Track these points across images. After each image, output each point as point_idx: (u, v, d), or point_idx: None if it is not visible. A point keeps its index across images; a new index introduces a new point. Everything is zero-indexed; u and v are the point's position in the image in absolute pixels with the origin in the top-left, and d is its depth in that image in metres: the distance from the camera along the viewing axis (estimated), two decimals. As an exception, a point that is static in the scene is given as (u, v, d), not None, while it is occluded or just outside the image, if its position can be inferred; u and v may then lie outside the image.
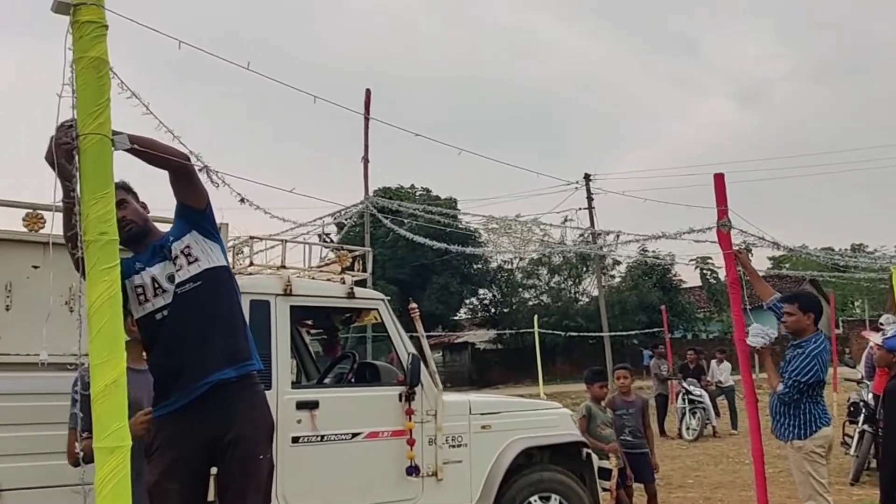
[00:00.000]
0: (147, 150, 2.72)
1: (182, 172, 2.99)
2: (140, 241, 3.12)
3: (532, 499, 5.32)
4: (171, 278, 3.04)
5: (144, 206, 3.23)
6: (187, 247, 3.06)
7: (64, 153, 2.37)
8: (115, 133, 2.33)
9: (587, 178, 27.98)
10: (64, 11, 2.26)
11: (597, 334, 27.14)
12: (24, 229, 3.90)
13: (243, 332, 3.17)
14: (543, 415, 5.75)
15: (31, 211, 3.90)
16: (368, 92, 16.43)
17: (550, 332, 23.43)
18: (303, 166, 61.50)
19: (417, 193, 34.31)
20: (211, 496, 3.12)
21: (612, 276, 37.24)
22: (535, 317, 20.19)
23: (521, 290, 37.85)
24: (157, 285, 3.04)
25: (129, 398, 2.72)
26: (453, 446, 5.07)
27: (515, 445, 5.31)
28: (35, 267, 3.89)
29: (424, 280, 32.40)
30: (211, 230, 3.14)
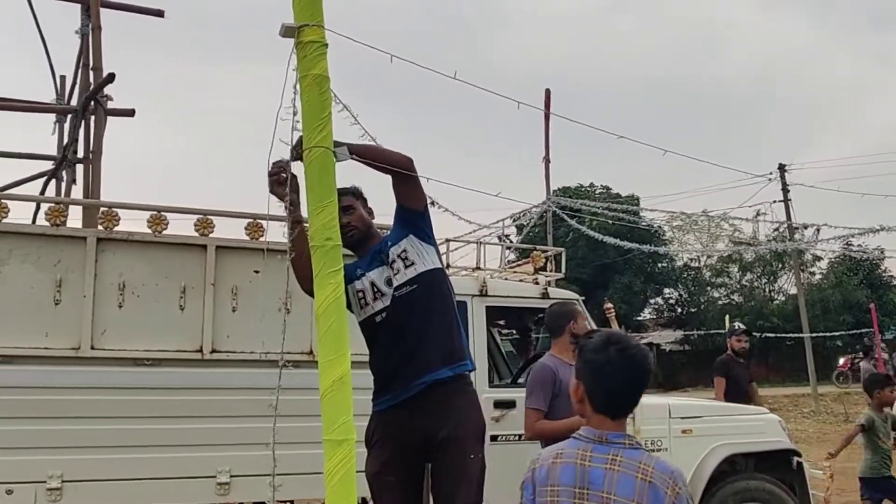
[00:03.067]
0: (367, 159, 2.88)
1: (403, 175, 3.12)
2: (362, 245, 3.30)
3: (737, 508, 5.07)
4: (388, 282, 3.17)
5: (371, 212, 3.41)
6: (404, 251, 3.19)
7: (274, 183, 2.82)
8: (336, 144, 2.48)
9: (782, 168, 26.26)
10: (290, 35, 2.42)
11: (796, 335, 25.37)
12: (247, 237, 4.24)
13: (458, 332, 3.25)
14: (749, 420, 5.46)
15: (252, 220, 4.23)
16: (548, 92, 16.41)
17: (743, 332, 22.20)
18: (480, 169, 62.38)
19: (597, 192, 33.80)
20: None
21: (812, 273, 34.76)
22: (727, 317, 19.19)
23: (709, 288, 36.22)
24: (375, 289, 3.19)
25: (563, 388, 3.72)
26: (653, 450, 4.93)
27: (719, 452, 5.09)
28: (256, 272, 4.22)
29: (606, 279, 31.85)
30: (427, 232, 3.26)
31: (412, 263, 3.18)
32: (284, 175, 2.79)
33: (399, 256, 3.19)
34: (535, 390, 4.12)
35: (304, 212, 2.75)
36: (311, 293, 2.46)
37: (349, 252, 3.08)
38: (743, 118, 69.36)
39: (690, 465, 5.01)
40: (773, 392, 24.08)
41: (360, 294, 3.21)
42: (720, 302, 35.44)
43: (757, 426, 5.41)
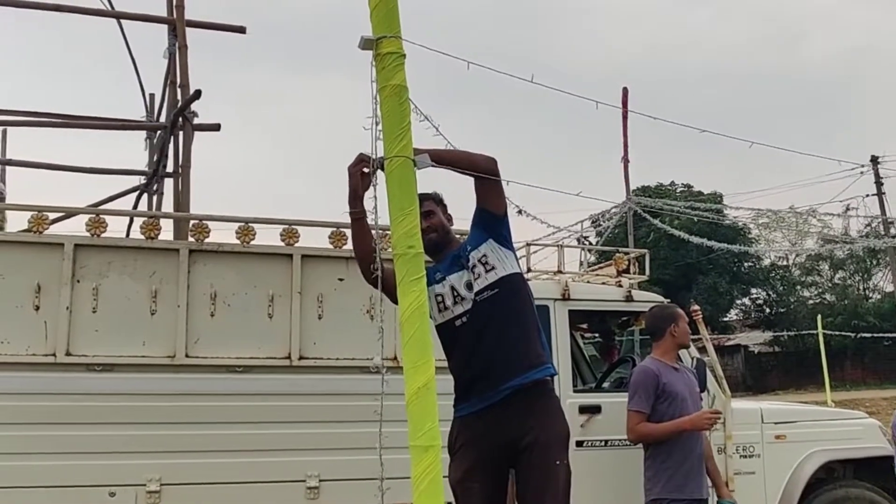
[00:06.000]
0: (449, 164, 2.91)
1: (486, 177, 3.12)
2: (440, 250, 3.30)
3: (836, 517, 4.88)
4: (469, 286, 3.17)
5: (450, 218, 3.43)
6: (484, 255, 3.19)
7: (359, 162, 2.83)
8: (416, 152, 2.51)
9: (874, 160, 25.17)
10: (369, 47, 2.46)
11: (894, 335, 24.22)
12: (331, 246, 4.32)
13: (539, 337, 3.23)
14: (846, 425, 5.25)
15: (335, 229, 4.31)
16: (625, 91, 16.22)
17: (837, 333, 21.40)
18: (556, 171, 61.89)
19: (678, 190, 33.07)
20: None
21: (910, 270, 33.08)
22: (819, 317, 18.48)
23: (799, 287, 34.94)
24: (455, 293, 3.19)
25: (674, 392, 4.03)
26: (744, 456, 4.80)
27: (815, 458, 4.91)
28: (340, 279, 4.29)
29: (690, 280, 31.10)
30: (507, 237, 3.25)
31: (493, 268, 3.17)
32: (367, 169, 2.79)
33: (479, 261, 3.18)
34: (638, 392, 4.10)
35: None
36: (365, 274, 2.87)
37: (427, 257, 3.10)
38: (829, 111, 66.77)
39: (785, 471, 4.86)
40: (871, 395, 23.06)
41: (440, 298, 3.21)
42: (811, 301, 34.15)
43: (855, 431, 5.20)
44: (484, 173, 3.09)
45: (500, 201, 3.23)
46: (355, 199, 2.92)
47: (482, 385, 3.11)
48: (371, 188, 2.55)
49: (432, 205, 3.28)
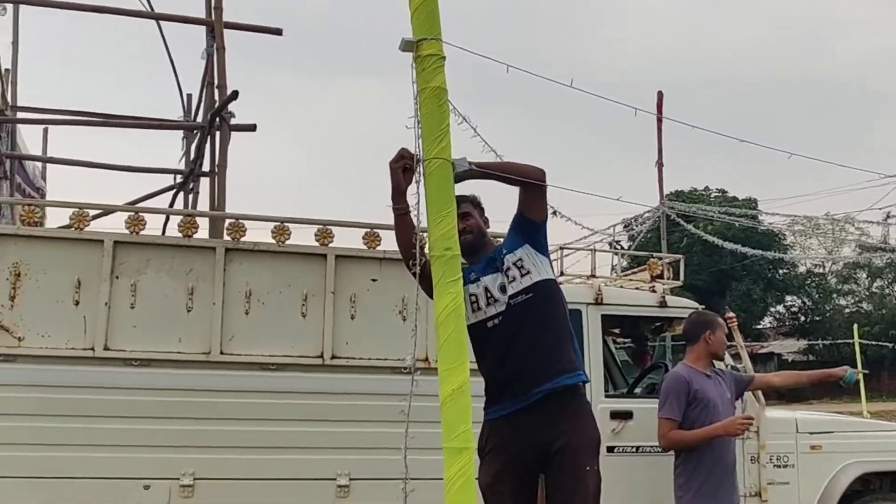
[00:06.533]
0: (489, 172, 2.92)
1: (532, 186, 3.14)
2: (476, 252, 3.31)
3: (872, 530, 4.79)
4: (502, 289, 3.17)
5: (487, 221, 3.43)
6: (519, 259, 3.20)
7: (398, 164, 2.85)
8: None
9: (916, 168, 24.62)
10: (409, 49, 2.47)
11: (933, 346, 23.70)
12: (364, 247, 4.34)
13: (571, 343, 3.23)
14: (884, 437, 5.16)
15: (369, 230, 4.33)
16: (660, 95, 16.02)
17: (874, 343, 21.03)
18: (588, 174, 61.47)
19: (712, 195, 32.74)
20: None
21: (950, 280, 32.43)
22: (855, 326, 18.17)
23: (835, 296, 34.37)
24: (489, 295, 3.20)
25: (705, 398, 4.02)
26: (778, 466, 4.73)
27: (851, 469, 4.82)
28: (373, 280, 4.31)
29: (723, 286, 30.79)
30: (543, 244, 3.27)
31: (528, 272, 3.18)
32: (409, 163, 2.81)
33: (514, 265, 3.19)
34: (669, 399, 4.07)
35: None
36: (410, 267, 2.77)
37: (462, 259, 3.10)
38: (854, 115, 65.51)
39: (819, 483, 4.78)
40: (908, 406, 22.61)
41: (473, 298, 3.21)
42: (847, 310, 33.56)
43: (893, 443, 5.11)
44: (533, 180, 3.10)
45: (543, 209, 3.26)
46: (398, 195, 2.94)
47: (514, 388, 3.12)
48: (414, 184, 2.54)
49: (469, 207, 3.29)
